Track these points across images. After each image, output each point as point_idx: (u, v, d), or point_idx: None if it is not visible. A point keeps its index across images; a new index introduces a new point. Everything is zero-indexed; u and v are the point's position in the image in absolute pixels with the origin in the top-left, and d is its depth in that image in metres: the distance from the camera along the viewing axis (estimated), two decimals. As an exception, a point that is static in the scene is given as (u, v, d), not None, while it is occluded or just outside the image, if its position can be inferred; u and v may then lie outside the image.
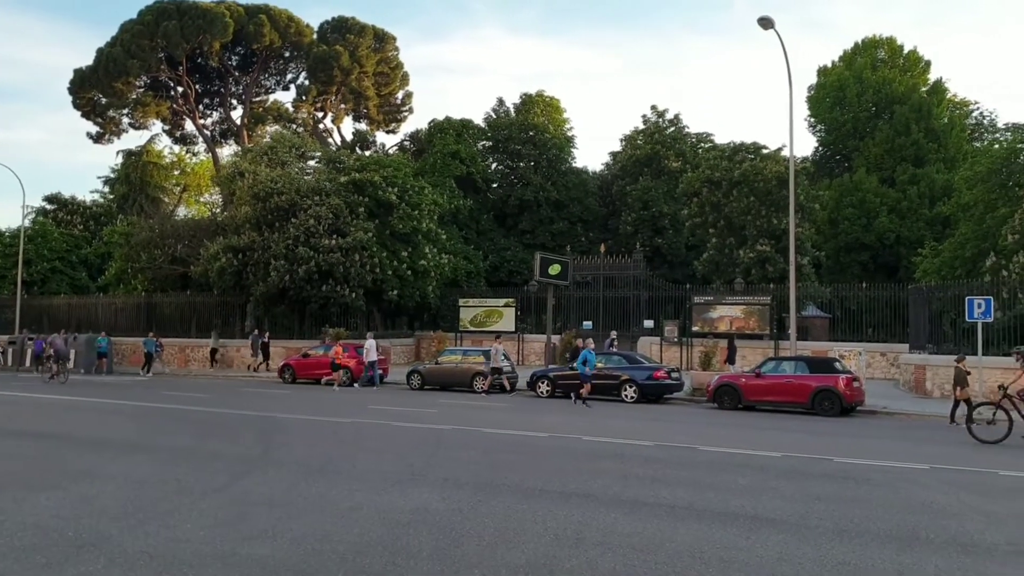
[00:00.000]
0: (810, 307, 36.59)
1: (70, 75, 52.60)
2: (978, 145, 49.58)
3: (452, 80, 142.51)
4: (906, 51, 52.05)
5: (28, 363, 37.99)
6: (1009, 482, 11.22)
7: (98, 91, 52.45)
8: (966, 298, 21.62)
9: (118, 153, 59.93)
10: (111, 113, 54.87)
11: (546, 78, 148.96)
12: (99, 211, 56.82)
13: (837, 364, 22.60)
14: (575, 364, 23.58)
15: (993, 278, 26.95)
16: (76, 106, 53.45)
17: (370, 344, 29.11)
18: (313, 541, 7.39)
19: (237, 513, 8.53)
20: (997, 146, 41.58)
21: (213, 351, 37.55)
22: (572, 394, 23.48)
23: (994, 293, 23.77)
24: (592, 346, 24.16)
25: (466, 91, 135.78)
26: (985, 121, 53.62)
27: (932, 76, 51.53)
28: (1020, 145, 35.80)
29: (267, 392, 26.33)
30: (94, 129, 55.95)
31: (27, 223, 50.06)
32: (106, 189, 63.38)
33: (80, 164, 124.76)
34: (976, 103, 55.22)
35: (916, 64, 51.57)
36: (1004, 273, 27.09)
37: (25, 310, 45.05)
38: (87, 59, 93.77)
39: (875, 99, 49.54)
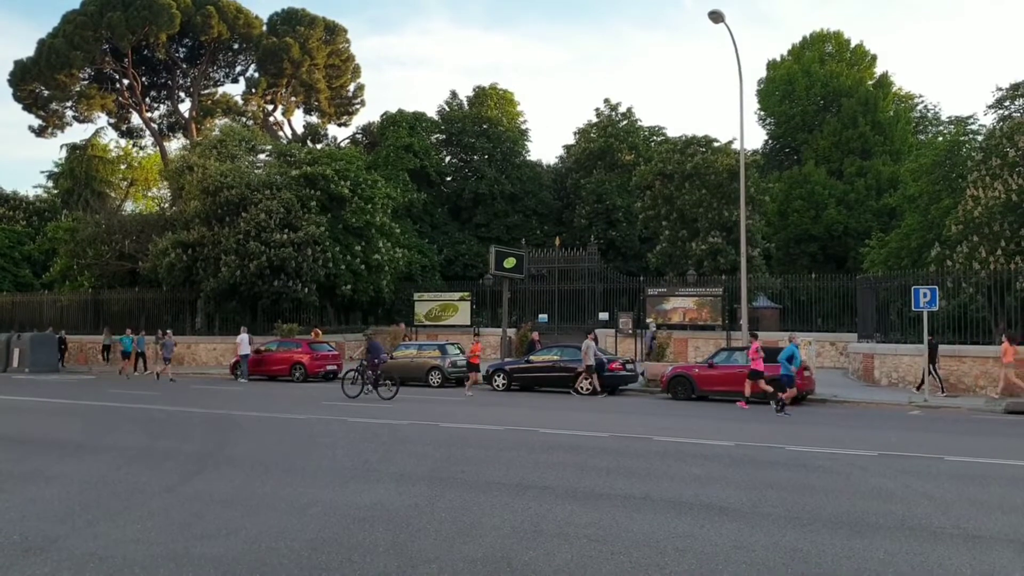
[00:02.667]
0: (761, 298, 37.10)
1: (10, 67, 51.38)
2: (923, 138, 50.72)
3: (403, 73, 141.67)
4: (853, 45, 52.96)
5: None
6: (954, 467, 11.49)
7: (40, 83, 51.18)
8: (912, 288, 22.06)
9: (62, 147, 58.77)
10: (54, 106, 53.57)
11: (497, 71, 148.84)
12: (43, 206, 55.54)
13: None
14: (779, 359, 19.66)
15: (938, 268, 27.56)
16: (17, 99, 52.11)
17: (242, 338, 29.28)
18: (268, 539, 7.30)
19: (190, 512, 8.40)
20: (941, 139, 42.61)
21: (106, 347, 36.80)
22: (773, 402, 19.27)
23: (939, 283, 24.30)
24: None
25: (418, 84, 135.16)
26: (929, 114, 54.86)
27: (878, 70, 52.55)
28: (963, 138, 36.69)
29: (220, 389, 25.98)
30: (36, 122, 54.61)
31: (-33, 219, 48.75)
32: (50, 184, 61.99)
33: (22, 158, 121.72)
34: (921, 96, 56.52)
35: (863, 58, 52.50)
36: (948, 263, 27.73)
37: (-34, 308, 43.87)
38: (28, 50, 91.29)
39: (823, 93, 50.33)
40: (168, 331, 32.87)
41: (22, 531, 7.65)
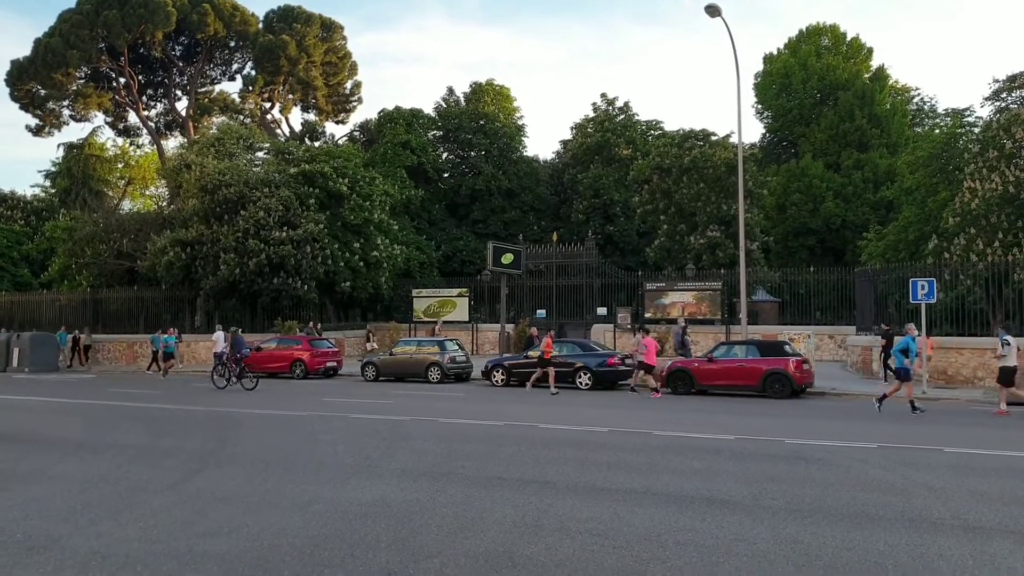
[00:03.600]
0: (760, 292, 37.16)
1: (6, 66, 51.31)
2: (919, 130, 50.74)
3: (400, 70, 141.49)
4: (849, 38, 53.00)
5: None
6: (953, 459, 11.52)
7: (37, 83, 51.08)
8: (910, 280, 22.07)
9: (59, 146, 58.75)
10: (51, 105, 53.48)
11: (493, 67, 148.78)
12: (40, 206, 55.45)
13: (787, 347, 22.98)
14: (893, 351, 18.98)
15: (936, 260, 27.60)
16: (14, 98, 52.02)
17: (217, 336, 29.37)
18: (270, 536, 7.32)
19: (192, 510, 8.42)
20: (937, 131, 42.63)
21: (86, 347, 36.96)
22: (913, 405, 17.75)
23: (937, 275, 24.33)
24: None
25: (414, 81, 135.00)
26: (926, 107, 54.90)
27: (874, 63, 52.60)
28: (960, 130, 36.70)
29: (220, 387, 25.94)
30: (33, 122, 54.50)
31: (-35, 219, 48.70)
32: (47, 183, 61.89)
33: (19, 158, 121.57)
34: (917, 89, 56.72)
35: (859, 51, 52.53)
36: (946, 255, 27.76)
37: (-35, 308, 43.85)
38: (24, 49, 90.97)
39: (820, 86, 50.35)
40: (173, 328, 33.07)
41: (25, 530, 7.67)
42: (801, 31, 53.85)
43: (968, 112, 41.29)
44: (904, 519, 7.89)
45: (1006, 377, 17.59)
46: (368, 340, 36.14)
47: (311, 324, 34.32)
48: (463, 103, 55.24)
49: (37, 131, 54.91)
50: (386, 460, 11.48)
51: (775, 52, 54.53)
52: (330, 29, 55.68)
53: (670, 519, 7.90)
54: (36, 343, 35.53)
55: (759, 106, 54.40)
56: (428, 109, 54.84)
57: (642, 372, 22.75)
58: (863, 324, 29.63)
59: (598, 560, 6.57)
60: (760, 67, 55.34)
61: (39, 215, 53.44)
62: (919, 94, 55.77)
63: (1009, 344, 17.76)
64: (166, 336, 31.96)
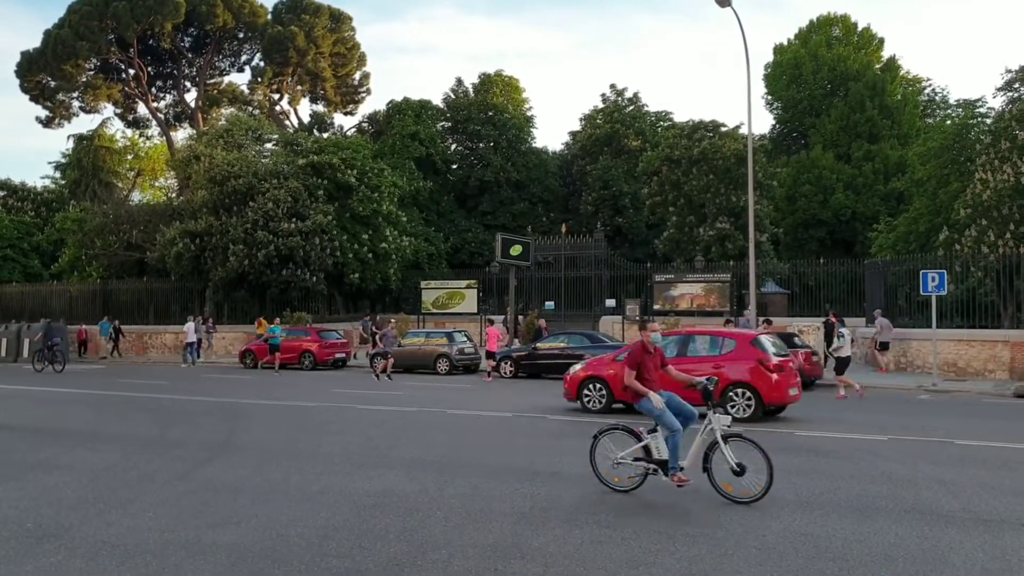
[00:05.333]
0: (769, 283, 37.00)
1: (17, 58, 51.34)
2: (930, 121, 50.37)
3: (407, 60, 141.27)
4: (860, 29, 52.59)
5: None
6: (964, 451, 11.47)
7: (47, 74, 51.17)
8: (920, 272, 21.98)
9: (69, 137, 58.80)
10: (61, 96, 53.57)
11: (501, 58, 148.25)
12: (51, 197, 55.57)
13: (796, 339, 22.90)
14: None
15: (946, 252, 27.44)
16: (24, 90, 52.11)
17: (189, 326, 31.50)
18: (279, 526, 7.34)
19: (201, 500, 8.44)
20: (949, 122, 42.34)
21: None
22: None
23: (947, 267, 24.21)
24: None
25: (422, 72, 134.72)
26: (937, 98, 54.45)
27: (885, 53, 52.16)
28: (971, 121, 36.44)
29: (229, 378, 26.07)
30: (43, 113, 54.58)
31: (-25, 210, 48.91)
32: (57, 175, 61.97)
33: (29, 149, 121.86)
34: (928, 80, 55.97)
35: (870, 42, 52.15)
36: (957, 247, 27.59)
37: (-25, 299, 44.06)
38: (34, 41, 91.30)
39: (830, 77, 50.02)
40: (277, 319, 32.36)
41: (36, 519, 7.70)
42: (812, 21, 53.43)
43: (980, 103, 41.00)
44: (914, 511, 7.85)
45: (840, 366, 19.10)
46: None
47: (201, 319, 35.01)
48: (472, 94, 55.08)
49: (47, 122, 55.05)
50: (394, 451, 11.50)
51: (785, 42, 54.18)
52: (339, 20, 55.58)
53: (679, 511, 7.89)
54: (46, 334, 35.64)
55: (769, 97, 54.07)
56: (437, 100, 54.70)
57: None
58: (873, 316, 29.52)
59: (606, 552, 6.56)
60: (770, 58, 54.96)
61: (49, 206, 53.58)
62: (930, 85, 55.30)
63: (843, 336, 19.23)
64: (272, 326, 29.64)
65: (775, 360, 14.88)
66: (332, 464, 10.48)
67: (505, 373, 25.51)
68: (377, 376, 24.68)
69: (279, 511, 7.92)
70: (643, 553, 6.51)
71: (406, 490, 8.81)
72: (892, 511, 7.87)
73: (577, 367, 17.10)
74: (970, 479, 9.41)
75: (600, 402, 16.11)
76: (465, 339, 28.33)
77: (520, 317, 35.04)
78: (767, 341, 15.67)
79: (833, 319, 24.72)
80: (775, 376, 14.67)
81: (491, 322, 26.11)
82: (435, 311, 38.98)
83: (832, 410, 16.67)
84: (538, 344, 26.25)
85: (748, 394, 14.77)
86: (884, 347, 25.62)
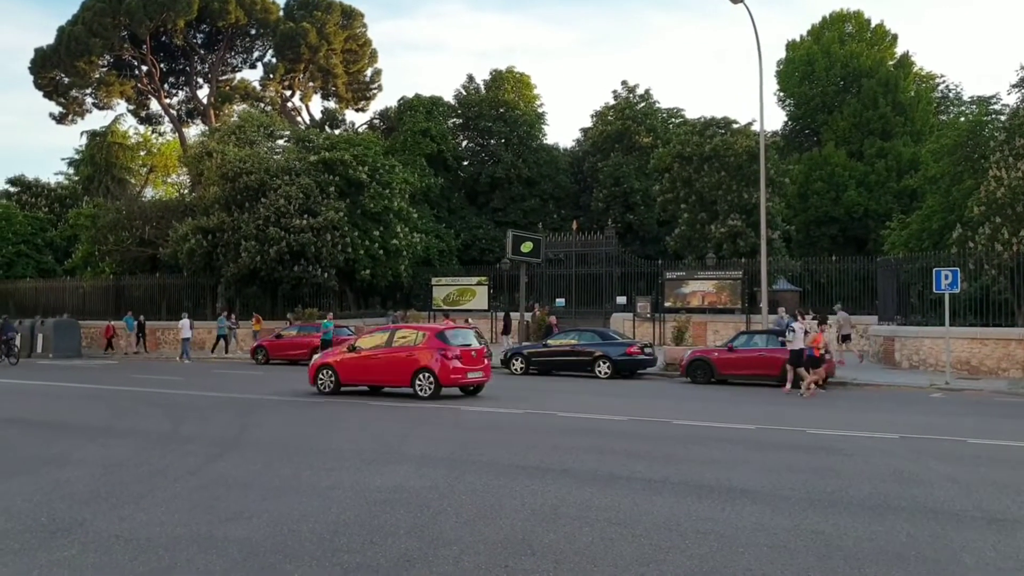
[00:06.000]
0: (781, 281, 36.86)
1: (31, 55, 51.59)
2: (944, 118, 50.05)
3: (419, 57, 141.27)
4: (873, 25, 52.31)
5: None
6: (977, 449, 11.42)
7: (60, 71, 51.41)
8: (933, 270, 21.87)
9: (82, 134, 58.85)
10: (74, 93, 53.81)
11: (512, 54, 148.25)
12: (64, 193, 55.91)
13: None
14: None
15: (960, 250, 27.27)
16: (38, 86, 52.38)
17: (183, 323, 32.43)
18: (290, 522, 7.36)
19: (213, 495, 8.48)
20: (963, 119, 42.03)
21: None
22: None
23: (961, 264, 24.07)
24: None
25: (433, 68, 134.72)
26: (951, 94, 54.12)
27: (899, 50, 51.90)
28: (985, 118, 36.18)
29: (240, 374, 26.17)
30: (57, 110, 54.86)
31: (-10, 206, 49.22)
32: (71, 171, 62.31)
33: (43, 145, 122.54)
34: (942, 76, 55.78)
35: (883, 38, 51.87)
36: (970, 245, 27.42)
37: (-10, 295, 44.39)
38: (48, 38, 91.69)
39: (843, 73, 49.79)
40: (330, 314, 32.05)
41: (49, 513, 7.75)
42: (824, 17, 53.20)
43: (994, 99, 40.72)
44: (926, 510, 7.82)
45: (794, 359, 19.62)
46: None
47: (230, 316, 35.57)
48: (483, 91, 55.05)
49: (61, 119, 55.32)
50: (405, 447, 11.52)
51: (798, 39, 53.92)
52: (350, 16, 55.64)
53: (690, 508, 7.88)
54: (60, 329, 35.95)
55: (781, 94, 53.85)
56: (448, 97, 54.73)
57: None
58: (885, 314, 29.39)
59: (617, 548, 6.56)
60: (782, 54, 54.73)
61: (63, 202, 53.90)
62: (944, 81, 54.99)
63: (794, 331, 19.94)
64: (325, 321, 29.21)
65: (455, 350, 18.10)
66: (343, 460, 10.51)
67: (516, 370, 25.52)
68: None
69: (290, 506, 7.95)
70: (653, 550, 6.51)
71: (417, 486, 8.83)
72: (904, 510, 7.84)
73: (316, 357, 20.88)
74: (983, 478, 9.37)
75: (330, 386, 18.87)
76: (475, 336, 28.30)
77: (530, 314, 35.03)
78: (451, 334, 18.94)
79: (800, 316, 23.76)
80: (453, 363, 17.87)
81: (446, 316, 26.79)
82: (446, 307, 39.02)
83: (837, 408, 16.63)
84: (549, 341, 26.25)
85: (430, 376, 17.77)
86: (846, 339, 27.30)
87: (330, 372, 19.01)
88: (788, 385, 19.87)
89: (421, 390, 17.83)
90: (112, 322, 38.10)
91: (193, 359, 32.35)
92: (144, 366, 30.27)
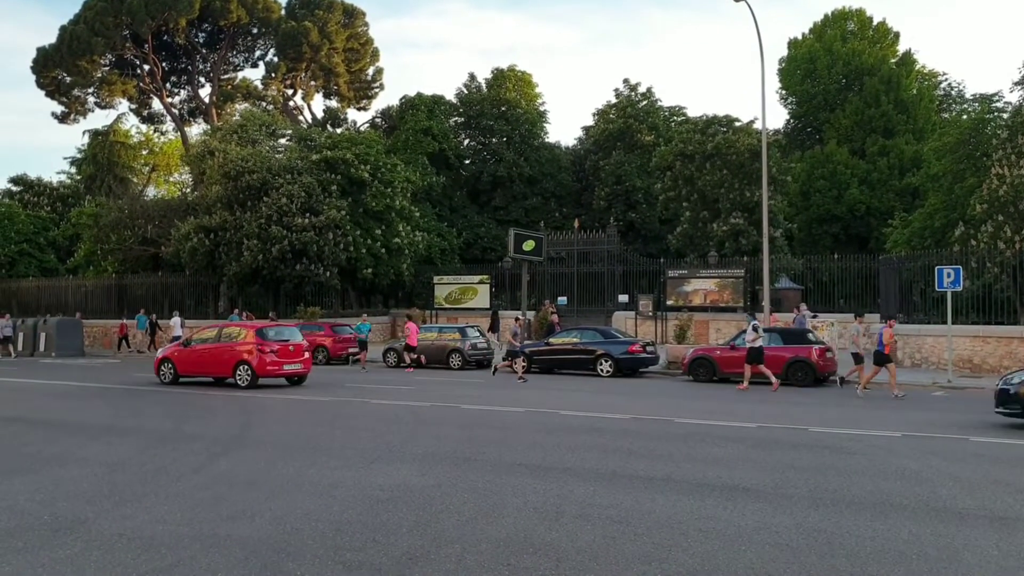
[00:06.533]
0: (783, 279, 36.84)
1: (31, 54, 51.76)
2: (946, 116, 49.96)
3: (420, 56, 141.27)
4: (875, 23, 52.26)
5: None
6: (979, 448, 11.41)
7: (62, 70, 51.45)
8: (936, 268, 21.85)
9: (84, 133, 59.16)
10: (76, 92, 53.85)
11: (513, 52, 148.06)
12: (66, 192, 55.98)
13: (810, 335, 22.82)
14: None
15: (962, 248, 27.24)
16: (40, 85, 52.42)
17: (175, 321, 32.65)
18: (293, 520, 7.37)
19: (215, 494, 8.49)
20: (965, 117, 41.93)
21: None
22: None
23: (963, 262, 24.04)
24: None
25: (435, 67, 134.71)
26: (953, 92, 54.04)
27: (901, 48, 51.84)
28: (988, 116, 36.10)
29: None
30: (59, 109, 54.91)
31: (-8, 205, 49.30)
32: (73, 170, 62.38)
33: (46, 145, 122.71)
34: (945, 74, 55.60)
35: (885, 36, 51.81)
36: (973, 243, 27.39)
37: (-7, 294, 44.46)
38: (50, 37, 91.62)
39: (845, 71, 49.73)
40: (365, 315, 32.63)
41: (52, 512, 7.77)
42: (827, 15, 53.12)
43: (997, 97, 40.60)
44: (929, 509, 7.82)
45: (751, 357, 20.36)
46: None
47: (243, 313, 35.29)
48: (484, 89, 54.99)
49: (63, 118, 55.36)
50: (407, 445, 11.53)
51: (800, 37, 53.84)
52: (352, 15, 55.64)
53: (692, 507, 7.88)
54: (62, 328, 35.98)
55: (783, 91, 53.79)
56: (449, 95, 54.68)
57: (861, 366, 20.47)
58: (887, 312, 29.35)
59: (619, 547, 6.56)
60: (784, 52, 54.68)
61: (65, 201, 53.96)
62: (946, 79, 54.88)
63: (757, 329, 20.73)
64: (361, 324, 28.49)
65: (274, 345, 20.57)
66: (345, 458, 10.52)
67: (518, 369, 25.50)
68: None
69: (293, 505, 7.96)
70: (655, 548, 6.51)
71: (419, 484, 8.83)
72: (906, 508, 7.84)
73: (159, 352, 23.97)
74: (985, 476, 9.37)
75: (169, 376, 21.63)
76: (478, 334, 28.37)
77: (532, 312, 35.05)
78: (270, 332, 21.54)
79: (747, 316, 25.36)
80: (269, 357, 20.30)
81: (409, 318, 29.50)
82: (448, 306, 39.04)
83: (840, 406, 16.62)
84: (551, 339, 26.25)
85: (248, 369, 20.24)
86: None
87: (170, 365, 21.74)
88: (745, 383, 20.29)
89: (241, 380, 20.31)
90: (125, 320, 38.11)
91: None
92: (145, 364, 30.26)
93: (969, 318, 25.04)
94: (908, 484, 8.89)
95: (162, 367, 21.91)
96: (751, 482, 8.94)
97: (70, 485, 8.97)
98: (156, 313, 39.77)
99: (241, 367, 20.42)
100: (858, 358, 20.08)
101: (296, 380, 21.17)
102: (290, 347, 20.96)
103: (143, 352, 36.25)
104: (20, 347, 35.74)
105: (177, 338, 32.62)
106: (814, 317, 27.03)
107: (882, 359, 19.21)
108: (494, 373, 24.59)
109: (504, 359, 24.41)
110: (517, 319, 25.49)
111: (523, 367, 23.41)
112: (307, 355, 21.62)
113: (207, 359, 21.33)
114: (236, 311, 35.27)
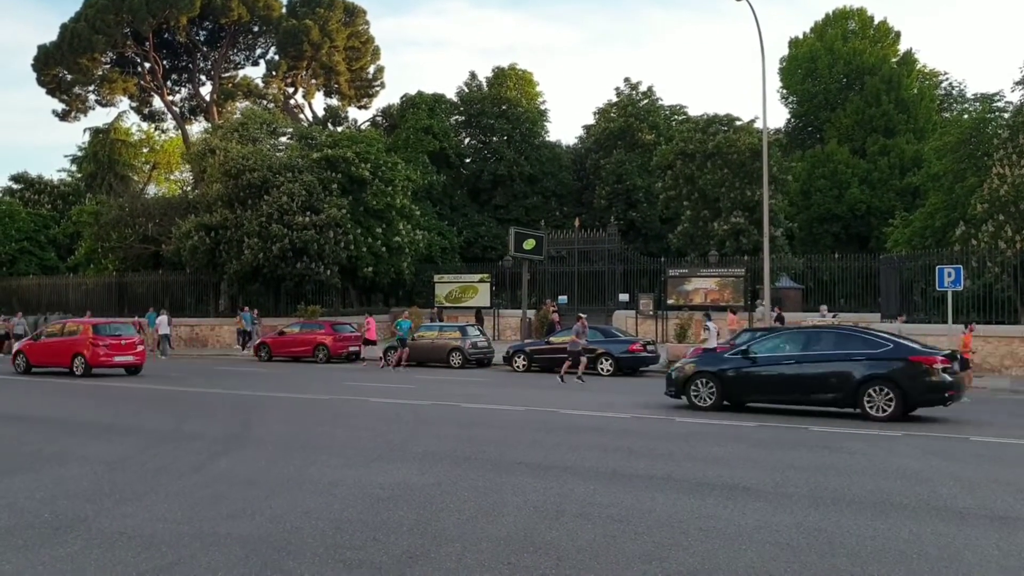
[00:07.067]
0: (783, 278, 36.86)
1: (34, 51, 51.71)
2: (947, 115, 50.01)
3: (421, 54, 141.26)
4: (876, 22, 52.31)
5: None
6: (979, 448, 11.41)
7: (63, 68, 51.49)
8: (936, 267, 21.86)
9: (85, 131, 59.03)
10: (77, 90, 53.88)
11: (514, 51, 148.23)
12: (67, 190, 55.96)
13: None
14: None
15: (963, 247, 27.26)
16: (41, 83, 52.44)
17: (161, 319, 32.85)
18: (293, 518, 7.37)
19: (216, 492, 8.49)
20: (966, 116, 41.95)
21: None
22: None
23: (964, 262, 24.07)
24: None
25: (435, 65, 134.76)
26: (954, 92, 54.10)
27: (902, 47, 51.89)
28: (989, 115, 36.12)
29: (243, 371, 26.20)
30: (60, 107, 54.98)
31: (-7, 203, 49.31)
32: (73, 168, 62.43)
33: (46, 142, 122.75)
34: (946, 74, 55.65)
35: (886, 35, 51.85)
36: (973, 242, 27.41)
37: (-7, 291, 44.49)
38: (51, 35, 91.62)
39: (846, 70, 49.77)
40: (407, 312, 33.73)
41: (52, 510, 7.76)
42: (828, 15, 53.20)
43: (998, 97, 40.62)
44: (929, 508, 7.81)
45: None
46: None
47: (253, 311, 35.28)
48: (485, 88, 54.99)
49: (63, 116, 55.40)
50: (408, 444, 11.53)
51: (801, 36, 53.94)
52: (353, 14, 55.65)
53: (692, 506, 7.87)
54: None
55: (784, 91, 53.84)
56: (450, 94, 54.68)
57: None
58: (888, 311, 29.36)
59: (619, 546, 6.55)
60: (785, 51, 54.77)
61: (65, 199, 53.95)
62: (947, 79, 54.96)
63: (709, 329, 21.54)
64: (400, 321, 27.78)
65: (106, 340, 23.67)
66: (346, 457, 10.51)
67: (518, 367, 25.53)
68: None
69: (293, 503, 7.95)
70: (656, 547, 6.50)
71: (420, 483, 8.83)
72: (906, 507, 7.84)
73: (16, 345, 27.82)
74: (986, 476, 9.36)
75: (23, 367, 24.81)
76: (478, 333, 28.38)
77: (533, 311, 35.05)
78: (105, 328, 24.42)
79: (703, 318, 25.58)
80: (102, 350, 23.34)
81: (370, 314, 31.71)
82: (448, 305, 39.06)
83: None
84: (551, 338, 26.26)
85: (82, 360, 23.28)
86: None
87: (23, 357, 25.15)
88: None
89: (77, 369, 23.37)
90: (137, 318, 38.00)
91: (169, 355, 32.43)
92: (148, 365, 30.23)
93: (970, 318, 25.03)
94: (908, 483, 8.89)
95: (17, 359, 25.41)
96: (751, 481, 8.94)
97: (70, 483, 8.96)
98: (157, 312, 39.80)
99: (77, 358, 23.44)
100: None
101: (131, 370, 24.03)
102: (122, 342, 23.98)
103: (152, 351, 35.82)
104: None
105: (165, 336, 32.76)
106: (834, 317, 27.72)
107: (964, 364, 18.55)
108: (562, 380, 21.59)
109: (568, 360, 22.34)
110: (580, 317, 23.59)
111: (584, 368, 22.03)
112: (140, 348, 24.59)
113: (52, 352, 24.51)
114: (245, 309, 35.19)
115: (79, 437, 12.48)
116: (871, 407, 13.80)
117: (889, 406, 13.68)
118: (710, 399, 15.27)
